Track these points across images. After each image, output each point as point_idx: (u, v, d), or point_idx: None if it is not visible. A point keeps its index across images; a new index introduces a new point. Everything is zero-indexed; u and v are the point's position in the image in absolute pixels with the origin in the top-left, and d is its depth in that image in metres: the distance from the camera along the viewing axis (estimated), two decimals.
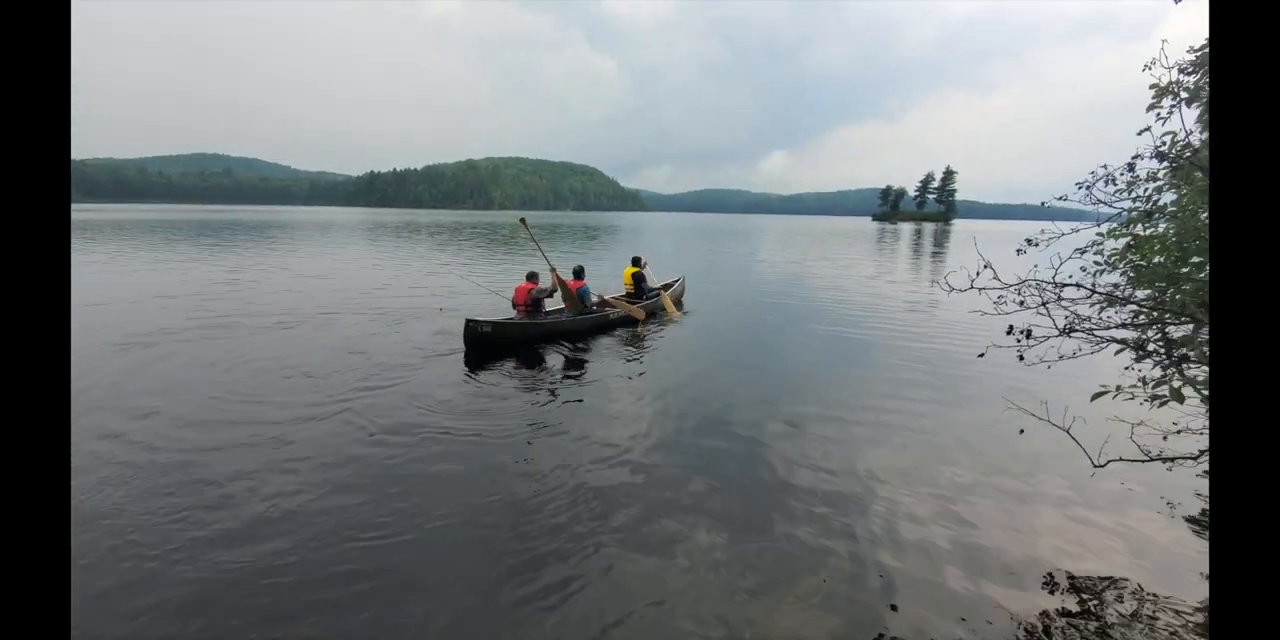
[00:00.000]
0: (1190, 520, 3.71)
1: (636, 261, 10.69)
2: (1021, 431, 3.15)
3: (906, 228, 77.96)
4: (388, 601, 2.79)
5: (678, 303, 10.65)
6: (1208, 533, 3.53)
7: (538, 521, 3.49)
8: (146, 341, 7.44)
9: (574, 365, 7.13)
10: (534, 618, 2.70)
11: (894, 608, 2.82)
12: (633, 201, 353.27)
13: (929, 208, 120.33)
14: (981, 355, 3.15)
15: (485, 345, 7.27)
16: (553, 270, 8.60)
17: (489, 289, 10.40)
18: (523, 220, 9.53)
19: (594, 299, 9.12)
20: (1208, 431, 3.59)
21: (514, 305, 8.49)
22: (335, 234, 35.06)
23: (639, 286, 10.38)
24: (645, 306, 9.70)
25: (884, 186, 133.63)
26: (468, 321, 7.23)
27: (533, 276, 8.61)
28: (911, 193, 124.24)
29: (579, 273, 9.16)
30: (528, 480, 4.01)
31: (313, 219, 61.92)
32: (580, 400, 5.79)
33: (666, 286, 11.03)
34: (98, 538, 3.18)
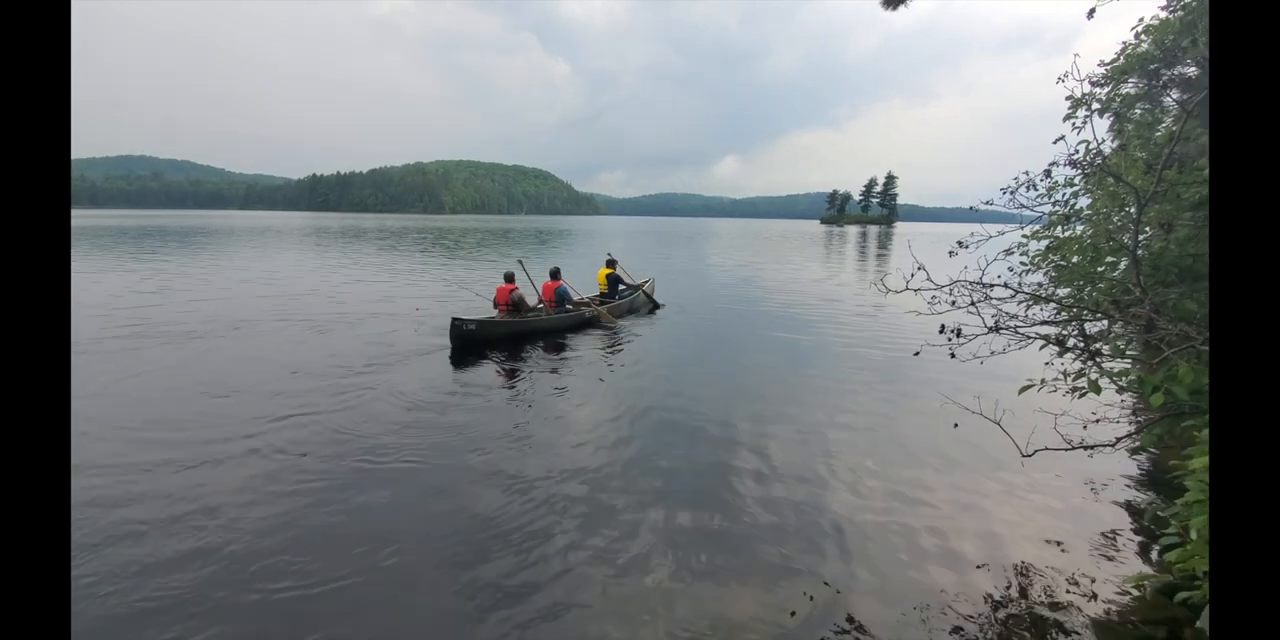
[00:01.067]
0: (1112, 503, 3.96)
1: (611, 263, 10.95)
2: (956, 426, 3.28)
3: (853, 230, 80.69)
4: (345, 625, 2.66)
5: (651, 299, 11.36)
6: (1130, 514, 3.77)
7: (499, 534, 3.42)
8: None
9: (549, 365, 7.28)
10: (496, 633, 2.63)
11: (844, 600, 2.89)
12: (587, 205, 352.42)
13: (873, 211, 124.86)
14: (917, 354, 3.28)
15: (470, 342, 7.58)
16: (540, 300, 9.23)
17: (473, 291, 10.76)
18: (520, 261, 10.09)
19: (575, 297, 9.59)
20: (1124, 420, 3.85)
21: (495, 305, 8.80)
22: (270, 240, 33.33)
23: (613, 287, 10.65)
24: (619, 307, 10.18)
25: (831, 191, 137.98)
26: (453, 320, 7.51)
27: (510, 278, 8.89)
28: (856, 197, 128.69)
29: (555, 273, 9.43)
30: (492, 490, 3.92)
31: (247, 224, 58.78)
32: (548, 403, 5.77)
33: (637, 287, 11.40)
34: None
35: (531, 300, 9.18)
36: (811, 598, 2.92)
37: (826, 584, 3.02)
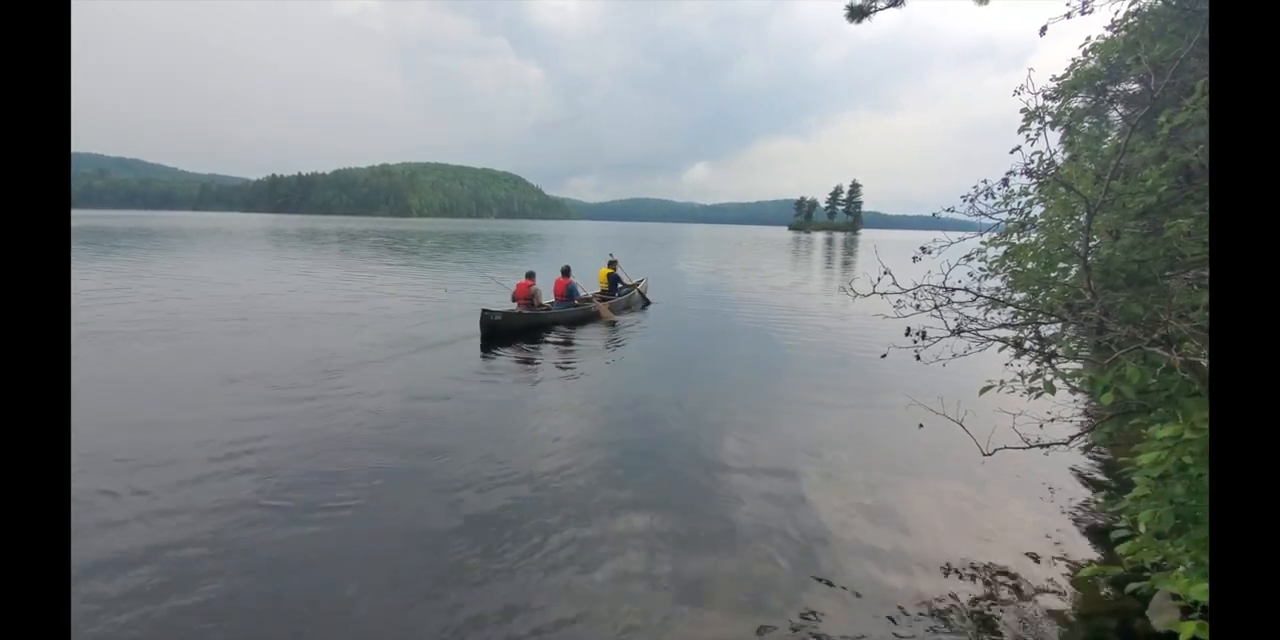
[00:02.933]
0: (1066, 499, 4.12)
1: (612, 264, 12.22)
2: (921, 426, 3.37)
3: (819, 237, 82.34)
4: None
5: (644, 297, 12.83)
6: (1083, 510, 3.93)
7: (472, 532, 3.35)
8: None
9: (558, 354, 8.22)
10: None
11: (811, 599, 2.93)
12: (558, 210, 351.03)
13: (839, 218, 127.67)
14: (884, 356, 3.36)
15: (495, 331, 8.71)
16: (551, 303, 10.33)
17: (497, 280, 12.07)
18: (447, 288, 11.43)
19: (581, 294, 10.76)
20: (1077, 419, 4.01)
21: (514, 298, 9.86)
22: (214, 242, 31.95)
23: (613, 285, 11.81)
24: (617, 303, 11.31)
25: (799, 198, 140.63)
26: (483, 311, 8.73)
27: (531, 275, 9.98)
28: (823, 204, 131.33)
29: (566, 271, 10.69)
30: (475, 489, 3.85)
31: (194, 226, 56.26)
32: (542, 396, 5.93)
33: (632, 286, 12.83)
34: None
35: (548, 297, 10.35)
36: (781, 597, 2.95)
37: (794, 583, 3.06)
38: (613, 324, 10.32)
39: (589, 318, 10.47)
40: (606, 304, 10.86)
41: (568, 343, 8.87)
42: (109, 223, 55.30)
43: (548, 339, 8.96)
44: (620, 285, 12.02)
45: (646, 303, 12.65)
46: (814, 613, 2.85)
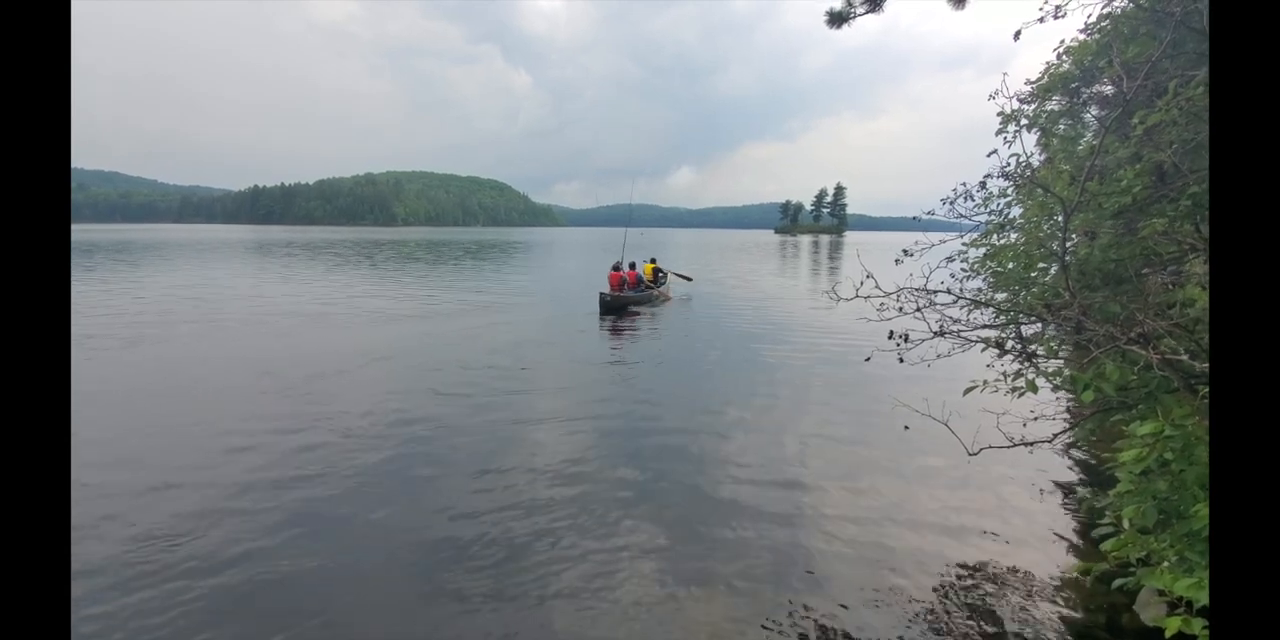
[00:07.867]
0: (1052, 497, 4.16)
1: (654, 261, 16.84)
2: (906, 428, 3.39)
3: (805, 240, 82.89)
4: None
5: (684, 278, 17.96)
6: (1068, 507, 3.96)
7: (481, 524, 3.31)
8: None
9: (629, 325, 11.55)
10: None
11: (807, 600, 2.92)
12: (545, 217, 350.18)
13: (824, 221, 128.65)
14: (868, 359, 3.38)
15: (608, 307, 12.87)
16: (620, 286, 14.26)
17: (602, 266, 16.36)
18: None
19: (646, 281, 15.40)
20: (1059, 417, 4.05)
21: (610, 286, 13.83)
22: (168, 256, 31.40)
23: (655, 276, 16.28)
24: (666, 289, 16.06)
25: (784, 201, 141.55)
26: (600, 294, 13.09)
27: (617, 267, 14.29)
28: (808, 207, 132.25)
29: (632, 266, 15.25)
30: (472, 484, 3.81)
31: (167, 238, 55.35)
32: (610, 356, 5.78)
33: (667, 273, 17.24)
34: None
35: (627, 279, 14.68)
36: (775, 599, 2.93)
37: (788, 584, 3.05)
38: (668, 302, 14.72)
39: (653, 298, 15.15)
40: (662, 289, 15.64)
41: (635, 316, 12.72)
42: (100, 237, 54.00)
43: (628, 312, 13.08)
44: (661, 275, 16.51)
45: (688, 281, 17.76)
46: (808, 613, 2.84)
